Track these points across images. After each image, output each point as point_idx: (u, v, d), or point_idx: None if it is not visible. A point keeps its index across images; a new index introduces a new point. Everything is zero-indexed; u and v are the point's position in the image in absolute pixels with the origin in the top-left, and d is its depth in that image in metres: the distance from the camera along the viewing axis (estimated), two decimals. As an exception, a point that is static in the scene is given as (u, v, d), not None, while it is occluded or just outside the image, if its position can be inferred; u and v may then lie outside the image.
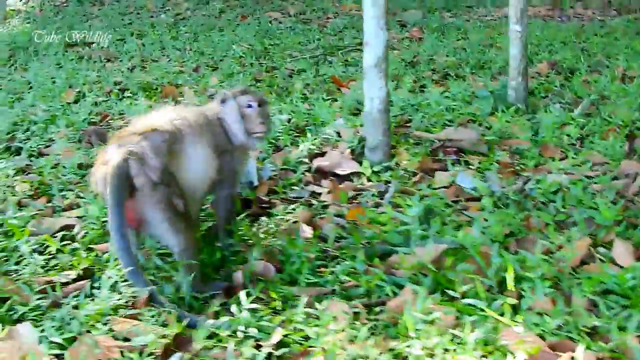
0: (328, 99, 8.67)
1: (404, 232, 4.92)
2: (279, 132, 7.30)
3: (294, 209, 5.54)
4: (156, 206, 4.19)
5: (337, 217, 5.39)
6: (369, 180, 6.21)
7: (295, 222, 5.22)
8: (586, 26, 13.28)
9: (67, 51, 12.68)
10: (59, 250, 4.86)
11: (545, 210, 5.31)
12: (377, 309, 4.10)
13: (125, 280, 4.23)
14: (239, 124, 4.87)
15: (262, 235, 5.07)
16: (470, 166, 6.37)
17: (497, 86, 8.22)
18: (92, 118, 8.16)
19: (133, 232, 4.38)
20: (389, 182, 6.09)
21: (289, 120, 7.69)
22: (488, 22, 14.36)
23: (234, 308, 4.02)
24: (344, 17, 15.63)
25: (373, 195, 5.85)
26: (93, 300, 4.21)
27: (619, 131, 7.04)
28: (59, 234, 5.05)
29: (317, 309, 3.99)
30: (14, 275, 4.61)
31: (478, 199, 5.64)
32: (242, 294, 4.08)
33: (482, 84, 8.93)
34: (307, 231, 5.04)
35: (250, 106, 4.92)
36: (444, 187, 5.98)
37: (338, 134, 7.21)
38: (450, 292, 4.04)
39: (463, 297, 4.00)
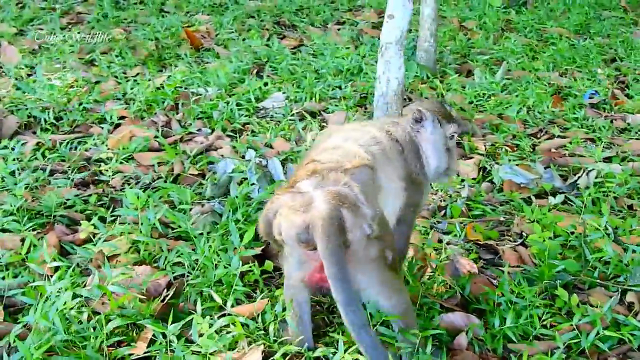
0: (196, 59, 7.53)
1: (574, 256, 4.28)
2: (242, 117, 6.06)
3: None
4: (370, 265, 3.18)
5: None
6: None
7: (446, 257, 4.28)
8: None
9: None
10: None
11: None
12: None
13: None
14: (440, 156, 3.81)
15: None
16: (478, 151, 5.79)
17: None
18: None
19: None
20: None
21: (220, 96, 6.40)
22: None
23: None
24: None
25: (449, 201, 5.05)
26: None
27: (569, 100, 6.87)
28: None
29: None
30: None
31: (541, 196, 5.16)
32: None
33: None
34: (467, 265, 4.19)
35: (452, 137, 3.86)
36: (484, 181, 5.37)
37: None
38: None
39: None
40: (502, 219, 4.83)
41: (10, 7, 9.12)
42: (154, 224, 4.31)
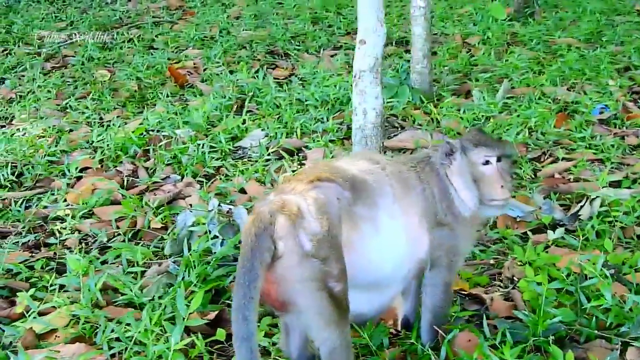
0: (178, 98, 7.12)
1: (571, 303, 3.73)
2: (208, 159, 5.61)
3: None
4: (304, 285, 2.90)
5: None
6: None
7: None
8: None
9: None
10: None
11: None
12: None
13: None
14: (469, 188, 3.40)
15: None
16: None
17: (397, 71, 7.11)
18: None
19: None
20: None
21: (192, 138, 5.94)
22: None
23: None
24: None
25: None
26: None
27: (576, 117, 6.30)
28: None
29: None
30: None
31: (541, 230, 4.61)
32: None
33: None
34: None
35: (487, 162, 3.42)
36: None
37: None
38: None
39: None
40: (491, 261, 4.30)
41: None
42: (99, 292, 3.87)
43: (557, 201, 4.96)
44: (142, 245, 4.51)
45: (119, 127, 6.20)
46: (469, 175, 3.40)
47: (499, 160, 3.44)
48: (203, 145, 5.72)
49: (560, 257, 4.06)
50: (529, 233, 4.58)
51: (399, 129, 6.23)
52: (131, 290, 3.89)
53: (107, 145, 5.87)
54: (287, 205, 2.90)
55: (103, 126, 6.36)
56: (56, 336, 3.71)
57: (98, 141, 5.96)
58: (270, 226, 2.85)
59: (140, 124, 6.28)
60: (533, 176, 5.39)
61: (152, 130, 6.18)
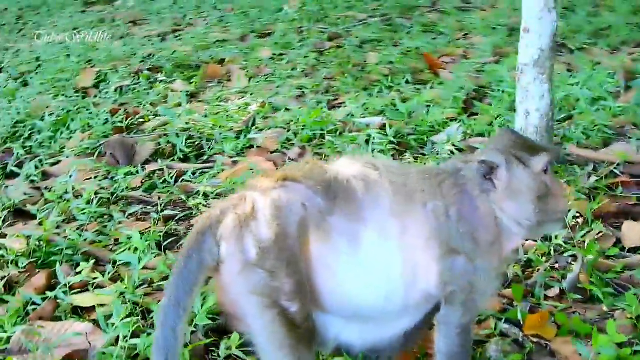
0: (419, 87, 6.57)
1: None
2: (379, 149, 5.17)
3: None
4: (248, 299, 2.54)
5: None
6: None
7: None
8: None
9: (84, 11, 10.65)
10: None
11: None
12: None
13: None
14: (528, 209, 2.78)
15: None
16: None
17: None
18: (117, 120, 6.03)
19: None
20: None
21: (382, 127, 5.52)
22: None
23: None
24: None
25: (548, 270, 3.72)
26: None
27: None
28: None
29: None
30: None
31: None
32: None
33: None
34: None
35: (546, 170, 2.84)
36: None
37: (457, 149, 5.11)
38: None
39: None
40: (605, 308, 3.46)
41: (279, 31, 9.05)
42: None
43: None
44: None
45: (321, 109, 5.98)
46: (531, 192, 2.76)
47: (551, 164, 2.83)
48: (371, 135, 5.31)
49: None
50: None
51: (627, 138, 5.27)
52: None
53: (295, 127, 5.71)
54: (243, 203, 2.57)
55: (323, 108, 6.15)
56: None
57: (287, 122, 5.80)
58: (217, 224, 2.55)
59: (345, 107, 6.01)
60: None
61: (349, 116, 5.88)
